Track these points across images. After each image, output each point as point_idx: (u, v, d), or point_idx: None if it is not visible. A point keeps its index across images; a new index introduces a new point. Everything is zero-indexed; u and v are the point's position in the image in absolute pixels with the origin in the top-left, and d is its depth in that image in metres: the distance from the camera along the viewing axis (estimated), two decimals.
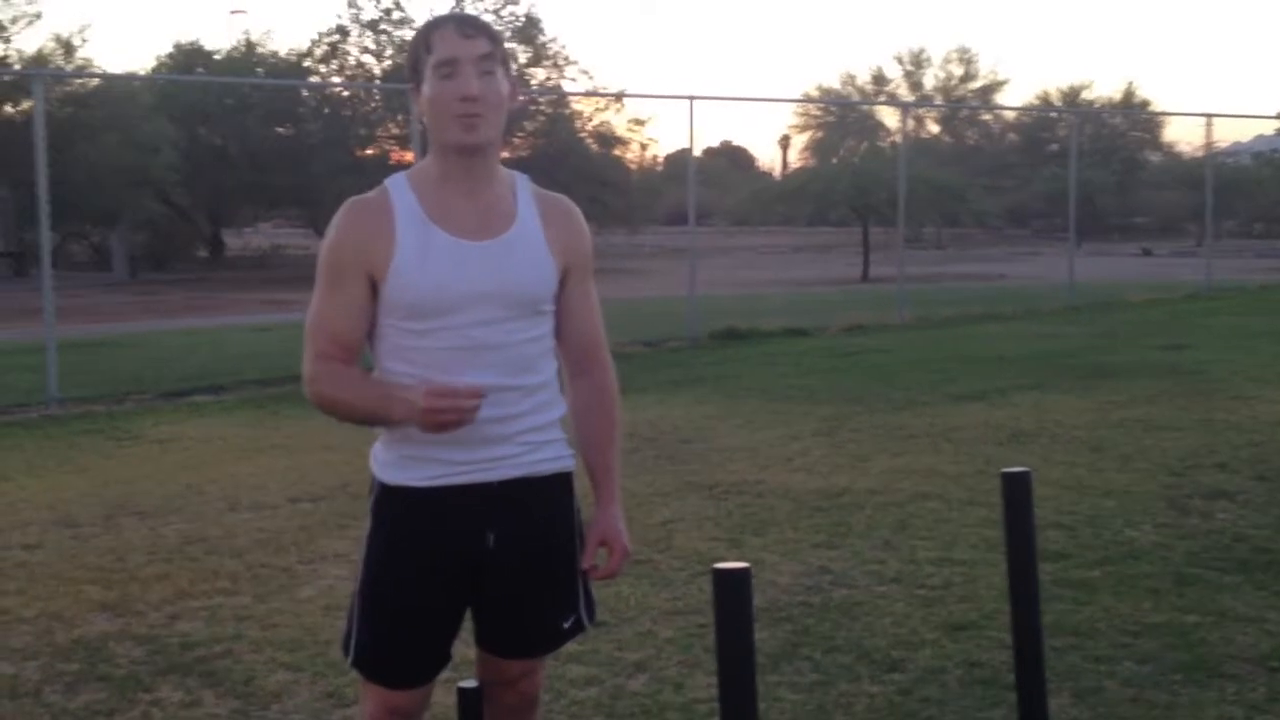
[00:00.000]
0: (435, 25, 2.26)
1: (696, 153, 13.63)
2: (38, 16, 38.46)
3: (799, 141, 56.38)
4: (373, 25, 33.11)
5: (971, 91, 53.17)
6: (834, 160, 38.87)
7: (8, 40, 27.26)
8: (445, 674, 2.40)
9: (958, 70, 53.77)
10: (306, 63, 33.16)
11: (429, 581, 2.29)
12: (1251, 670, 3.66)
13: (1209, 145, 20.15)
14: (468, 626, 2.40)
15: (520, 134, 31.04)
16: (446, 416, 2.15)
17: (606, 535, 2.39)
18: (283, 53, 33.31)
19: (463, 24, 2.24)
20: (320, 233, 25.15)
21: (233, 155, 26.60)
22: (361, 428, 2.33)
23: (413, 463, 2.28)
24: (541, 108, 31.31)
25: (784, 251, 37.19)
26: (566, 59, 33.97)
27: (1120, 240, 41.46)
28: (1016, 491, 2.18)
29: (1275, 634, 3.93)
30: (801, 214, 35.55)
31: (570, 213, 2.39)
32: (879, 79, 53.87)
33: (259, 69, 31.67)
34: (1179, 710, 3.41)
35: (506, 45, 2.36)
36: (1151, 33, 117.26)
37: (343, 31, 33.28)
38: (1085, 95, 50.98)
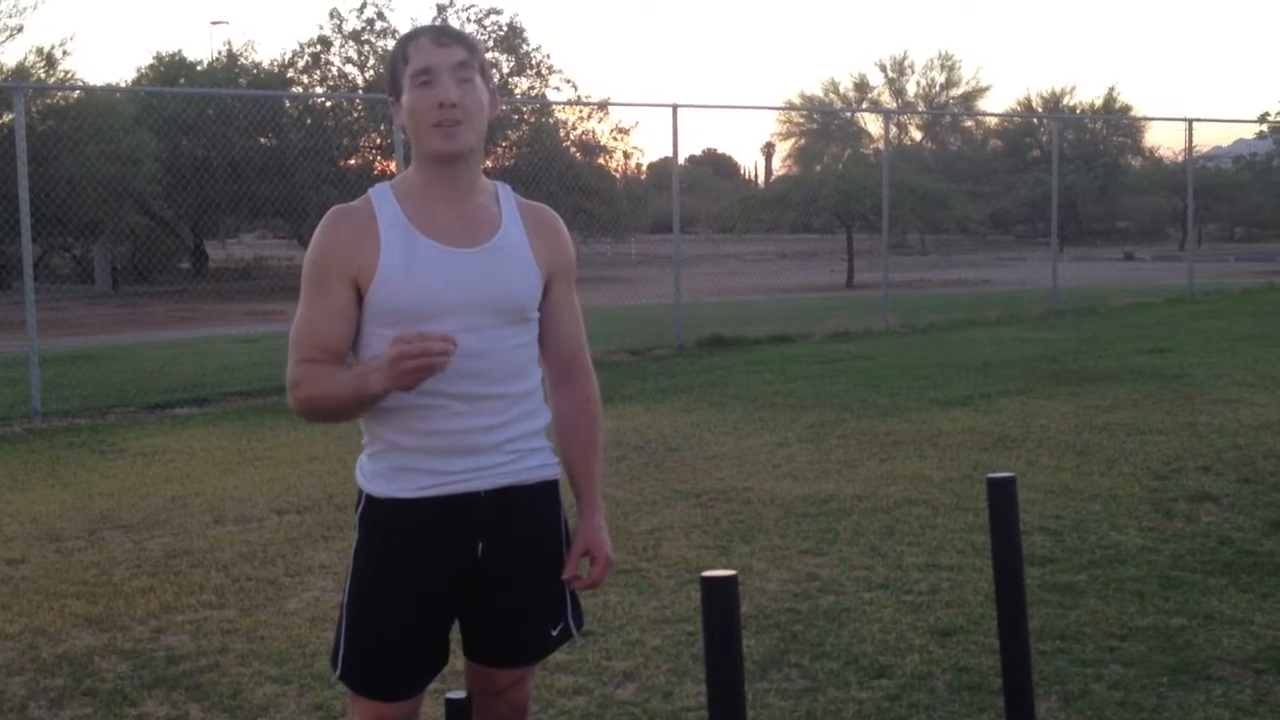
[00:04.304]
0: (411, 37, 2.28)
1: (680, 160, 13.62)
2: (19, 30, 38.40)
3: (783, 149, 56.58)
4: (355, 36, 33.08)
5: (954, 98, 53.37)
6: (818, 167, 38.91)
7: None
8: (434, 685, 2.39)
9: (940, 77, 54.02)
10: (289, 73, 33.11)
11: (417, 593, 2.28)
12: (1238, 672, 3.67)
13: (1190, 150, 20.26)
14: (455, 637, 2.40)
15: (504, 143, 31.03)
16: (417, 361, 2.07)
17: (589, 544, 2.39)
18: (265, 63, 33.28)
19: (438, 34, 2.27)
20: (304, 243, 25.10)
21: (215, 166, 26.50)
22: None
23: (399, 474, 2.27)
24: (525, 117, 31.28)
25: (769, 259, 37.20)
26: (550, 68, 33.99)
27: (1103, 245, 41.65)
28: (1002, 496, 2.18)
29: (1261, 636, 3.94)
30: (786, 221, 35.61)
31: (553, 222, 2.40)
32: (862, 86, 54.05)
33: (241, 80, 31.58)
34: (1166, 713, 3.42)
35: (489, 55, 2.36)
36: (1132, 38, 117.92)
37: (325, 42, 33.25)
38: (1067, 101, 51.24)
